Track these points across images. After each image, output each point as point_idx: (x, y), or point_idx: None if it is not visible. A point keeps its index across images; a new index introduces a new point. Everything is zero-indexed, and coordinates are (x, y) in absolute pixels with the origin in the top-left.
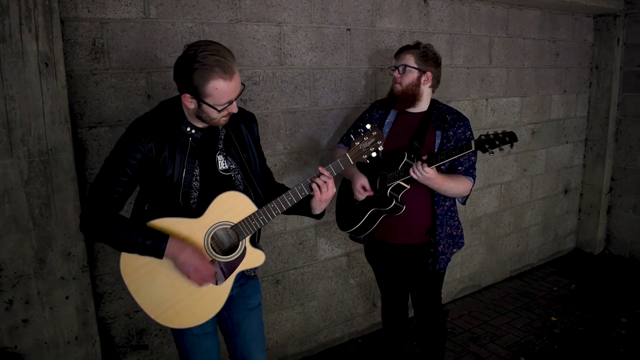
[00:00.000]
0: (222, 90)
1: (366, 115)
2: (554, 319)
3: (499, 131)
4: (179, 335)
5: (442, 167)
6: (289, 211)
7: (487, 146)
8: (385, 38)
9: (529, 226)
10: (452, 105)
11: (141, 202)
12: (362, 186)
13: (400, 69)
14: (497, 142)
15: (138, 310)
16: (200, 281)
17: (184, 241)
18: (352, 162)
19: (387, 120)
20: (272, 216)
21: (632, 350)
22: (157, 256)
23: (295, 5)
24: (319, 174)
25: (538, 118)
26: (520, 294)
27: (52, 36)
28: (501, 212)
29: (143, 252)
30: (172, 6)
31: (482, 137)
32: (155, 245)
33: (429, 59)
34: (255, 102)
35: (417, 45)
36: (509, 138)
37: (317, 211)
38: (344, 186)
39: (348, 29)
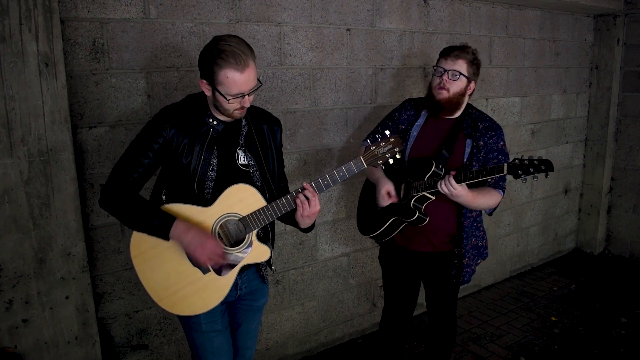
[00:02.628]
0: (232, 80)
1: (395, 114)
2: (554, 319)
3: (535, 157)
4: (189, 331)
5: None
6: (282, 219)
7: (520, 172)
8: (385, 38)
9: (529, 226)
10: None
11: (159, 188)
12: (387, 192)
13: (450, 74)
14: (531, 170)
15: (138, 310)
16: (208, 260)
17: (190, 222)
18: (365, 166)
19: (416, 123)
20: (281, 213)
21: (632, 350)
22: (164, 236)
23: (295, 5)
24: (303, 189)
25: (538, 118)
26: (520, 294)
27: (52, 36)
28: (501, 212)
29: (151, 231)
30: (172, 6)
31: (516, 161)
32: (162, 225)
33: (477, 67)
34: (255, 102)
35: (467, 49)
36: (544, 167)
37: (302, 226)
38: (366, 188)
39: (348, 29)
